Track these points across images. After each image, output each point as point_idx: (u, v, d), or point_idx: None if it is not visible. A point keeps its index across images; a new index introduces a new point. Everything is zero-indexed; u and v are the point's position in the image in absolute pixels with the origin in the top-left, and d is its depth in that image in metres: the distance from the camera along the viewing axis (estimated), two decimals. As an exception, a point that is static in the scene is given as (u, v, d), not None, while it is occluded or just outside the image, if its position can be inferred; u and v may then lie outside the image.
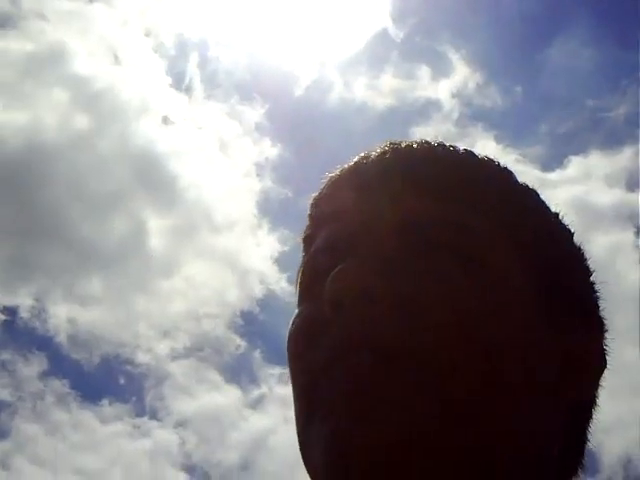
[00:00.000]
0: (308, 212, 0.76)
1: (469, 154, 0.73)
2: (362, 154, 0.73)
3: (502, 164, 0.74)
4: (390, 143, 0.73)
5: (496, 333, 0.61)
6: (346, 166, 0.74)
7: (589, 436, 0.71)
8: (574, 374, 0.67)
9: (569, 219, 0.75)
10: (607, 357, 0.71)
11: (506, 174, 0.73)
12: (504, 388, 0.60)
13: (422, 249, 0.64)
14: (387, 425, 0.56)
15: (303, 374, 0.64)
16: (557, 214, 0.74)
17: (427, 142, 0.73)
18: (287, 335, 0.68)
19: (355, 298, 0.60)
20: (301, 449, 0.65)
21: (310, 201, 0.76)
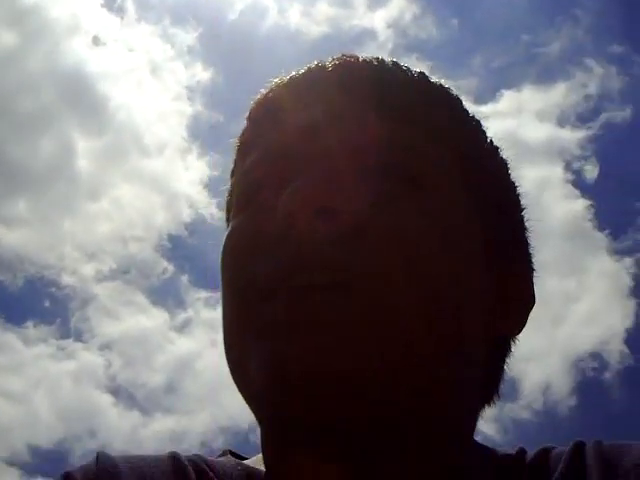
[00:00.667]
0: (248, 113, 0.72)
1: (423, 76, 0.70)
2: (315, 63, 0.70)
3: (453, 91, 0.72)
4: (344, 55, 0.69)
5: (442, 262, 0.61)
6: (297, 73, 0.70)
7: (507, 366, 0.73)
8: (507, 311, 0.68)
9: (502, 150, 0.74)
10: (535, 294, 0.72)
11: (458, 101, 0.72)
12: (445, 319, 0.61)
13: (375, 171, 0.62)
14: (330, 351, 0.56)
15: (245, 288, 0.61)
16: (497, 148, 0.74)
17: (382, 60, 0.70)
18: (225, 244, 0.66)
19: (313, 215, 0.58)
20: (234, 366, 0.63)
21: (252, 102, 0.72)
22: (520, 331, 0.71)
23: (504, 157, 0.74)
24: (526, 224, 0.74)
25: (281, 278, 0.58)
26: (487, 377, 0.68)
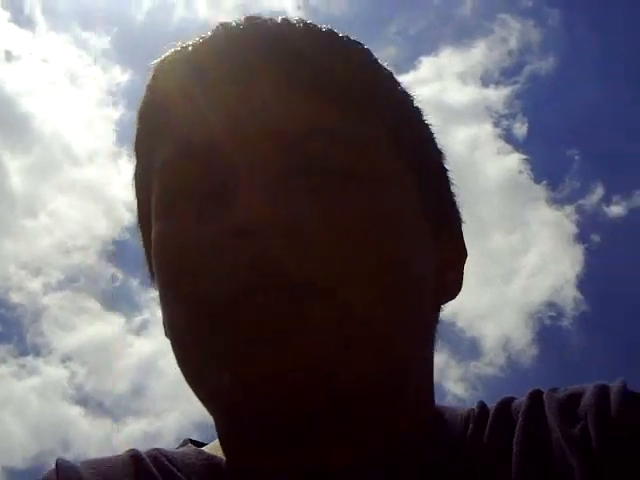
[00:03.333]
0: (146, 94, 0.66)
1: (333, 35, 0.65)
2: (217, 28, 0.63)
3: (371, 53, 0.67)
4: (248, 18, 0.63)
5: (390, 246, 0.61)
6: (196, 42, 0.63)
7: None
8: (447, 275, 0.68)
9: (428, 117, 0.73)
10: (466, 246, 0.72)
11: (369, 54, 0.68)
12: (400, 303, 0.61)
13: (307, 166, 0.60)
14: (295, 363, 0.55)
15: (198, 305, 0.59)
16: (410, 95, 0.70)
17: (288, 22, 0.64)
18: (159, 257, 0.63)
19: (266, 227, 0.56)
20: (192, 374, 0.62)
21: (149, 80, 0.65)
22: (460, 289, 0.70)
23: (417, 104, 0.71)
24: (450, 178, 0.72)
25: (240, 291, 0.57)
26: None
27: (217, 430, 0.66)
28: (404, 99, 0.70)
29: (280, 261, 0.56)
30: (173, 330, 0.64)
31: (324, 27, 0.65)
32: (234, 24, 0.63)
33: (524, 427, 0.61)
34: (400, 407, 0.62)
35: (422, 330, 0.64)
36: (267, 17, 0.64)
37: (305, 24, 0.64)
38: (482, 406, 0.66)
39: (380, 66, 0.68)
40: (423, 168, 0.67)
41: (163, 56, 0.65)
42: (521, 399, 0.64)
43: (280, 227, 0.57)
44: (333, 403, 0.57)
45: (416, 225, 0.65)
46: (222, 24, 0.63)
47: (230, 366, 0.57)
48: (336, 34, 0.65)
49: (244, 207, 0.57)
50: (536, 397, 0.63)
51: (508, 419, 0.63)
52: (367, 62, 0.67)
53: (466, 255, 0.71)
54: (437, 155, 0.72)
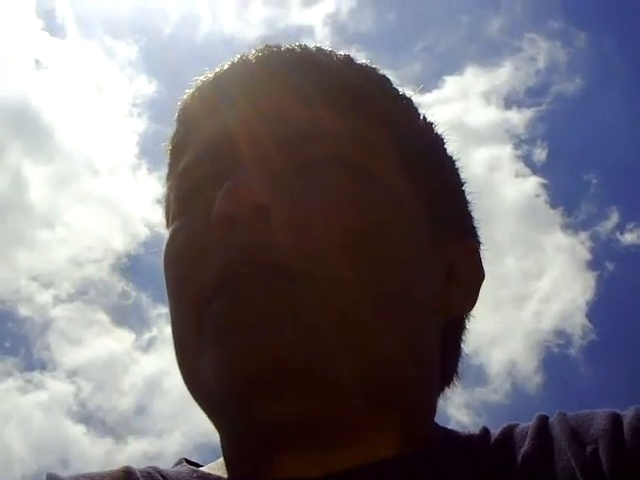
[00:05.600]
0: (177, 115, 0.71)
1: (349, 59, 0.70)
2: (240, 56, 0.69)
3: (381, 73, 0.72)
4: (268, 46, 0.69)
5: (388, 247, 0.62)
6: (221, 67, 0.69)
7: (463, 345, 0.73)
8: (458, 287, 0.69)
9: (448, 138, 0.74)
10: (484, 268, 0.72)
11: (387, 80, 0.72)
12: (395, 303, 0.61)
13: (311, 163, 0.62)
14: (285, 341, 0.56)
15: (192, 294, 0.61)
16: (431, 123, 0.73)
17: (306, 47, 0.69)
18: (166, 251, 0.65)
19: (248, 215, 0.58)
20: (188, 374, 0.63)
21: (180, 103, 0.71)
22: (473, 307, 0.71)
23: (439, 132, 0.73)
24: (468, 198, 0.74)
25: (226, 277, 0.58)
26: (443, 356, 0.69)
27: (221, 444, 0.66)
28: (411, 112, 0.72)
29: (257, 248, 0.58)
30: (173, 332, 0.65)
31: (340, 53, 0.70)
32: (253, 51, 0.69)
33: (532, 448, 0.60)
34: (392, 417, 0.62)
35: (414, 335, 0.64)
36: (283, 44, 0.69)
37: (319, 48, 0.69)
38: (485, 430, 0.65)
39: (389, 82, 0.72)
40: (429, 180, 0.68)
41: (194, 83, 0.71)
42: (526, 424, 0.64)
43: (264, 214, 0.59)
44: (312, 391, 0.57)
45: (416, 232, 0.65)
46: (243, 54, 0.69)
47: (217, 357, 0.58)
48: (350, 56, 0.70)
49: (227, 195, 0.59)
50: (544, 420, 0.63)
51: (513, 441, 0.62)
52: (378, 77, 0.71)
53: (483, 276, 0.72)
54: (447, 167, 0.73)
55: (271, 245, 0.58)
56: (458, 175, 0.74)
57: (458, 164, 0.74)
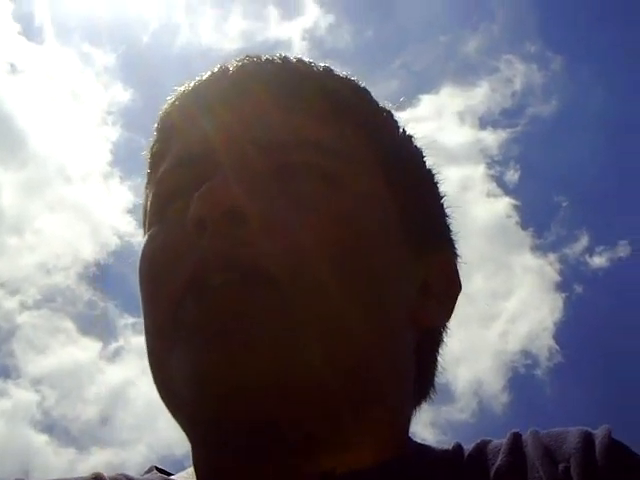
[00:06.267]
0: (157, 124, 0.71)
1: (328, 70, 0.71)
2: (220, 66, 0.69)
3: (360, 83, 0.72)
4: (248, 57, 0.69)
5: (364, 258, 0.62)
6: (201, 77, 0.70)
7: (440, 358, 0.73)
8: (433, 298, 0.69)
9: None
10: (461, 280, 0.72)
11: (366, 92, 0.72)
12: (372, 312, 0.61)
13: (288, 170, 0.62)
14: (256, 353, 0.56)
15: (164, 297, 0.61)
16: (411, 136, 0.74)
17: (286, 57, 0.70)
18: (140, 258, 0.65)
19: (222, 218, 0.58)
20: (158, 374, 0.63)
21: (160, 112, 0.71)
22: (448, 319, 0.71)
23: (418, 145, 0.74)
24: (447, 211, 0.75)
25: (196, 280, 0.58)
26: (419, 368, 0.69)
27: (191, 452, 0.65)
28: (392, 124, 0.72)
29: (231, 251, 0.58)
30: (146, 338, 0.64)
31: (320, 64, 0.70)
32: (234, 61, 0.69)
33: (505, 464, 0.61)
34: (367, 426, 0.61)
35: (389, 345, 0.64)
36: (263, 55, 0.69)
37: (299, 59, 0.70)
38: (458, 446, 0.66)
39: (368, 93, 0.72)
40: (408, 190, 0.68)
41: (175, 92, 0.71)
42: (499, 441, 0.64)
43: (240, 217, 0.58)
44: (281, 399, 0.57)
45: (389, 241, 0.65)
46: (223, 64, 0.69)
47: (187, 364, 0.57)
48: (330, 67, 0.70)
49: (201, 198, 0.59)
50: (517, 437, 0.63)
51: (486, 457, 0.62)
52: (358, 88, 0.71)
53: (459, 288, 0.72)
54: (426, 179, 0.73)
55: (246, 248, 0.58)
56: (437, 188, 0.75)
57: (437, 177, 0.75)
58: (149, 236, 0.66)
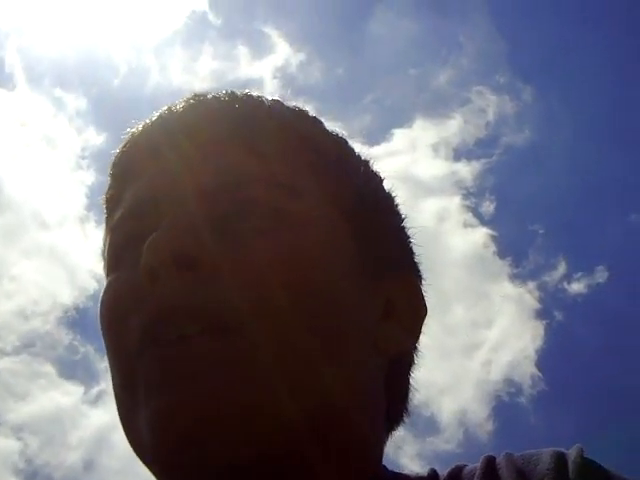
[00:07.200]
0: (109, 169, 0.71)
1: (278, 104, 0.71)
2: (165, 107, 0.70)
3: (310, 114, 0.72)
4: (195, 95, 0.69)
5: (317, 290, 0.61)
6: (148, 121, 0.70)
7: (412, 382, 0.73)
8: (395, 323, 0.69)
9: (397, 191, 0.75)
10: (426, 303, 0.72)
11: (318, 122, 0.72)
12: (331, 344, 0.61)
13: (239, 210, 0.62)
14: (212, 399, 0.56)
15: (121, 352, 0.62)
16: (367, 161, 0.74)
17: (232, 93, 0.70)
18: (99, 307, 0.65)
19: (171, 266, 0.58)
20: (127, 430, 0.62)
21: (111, 158, 0.72)
22: (415, 342, 0.71)
23: (374, 170, 0.74)
24: (407, 233, 0.74)
25: (148, 336, 0.58)
26: (390, 394, 0.69)
27: None
28: (344, 151, 0.73)
29: (182, 301, 0.58)
30: (112, 383, 0.64)
31: (269, 98, 0.71)
32: (181, 100, 0.69)
33: None
34: (334, 459, 0.61)
35: (354, 374, 0.63)
36: (210, 92, 0.70)
37: (247, 95, 0.70)
38: (433, 472, 0.66)
39: (320, 123, 0.72)
40: (362, 219, 0.68)
41: (125, 137, 0.71)
42: (473, 465, 0.65)
43: (191, 264, 0.58)
44: (249, 448, 0.57)
45: (344, 272, 0.65)
46: (170, 105, 0.70)
47: (147, 416, 0.58)
48: (280, 101, 0.71)
49: (149, 248, 0.59)
50: (491, 461, 0.63)
51: None
52: (310, 118, 0.72)
53: (425, 311, 0.72)
54: (383, 203, 0.73)
55: (199, 296, 0.58)
56: (396, 211, 0.75)
57: (396, 200, 0.75)
58: (106, 285, 0.66)
